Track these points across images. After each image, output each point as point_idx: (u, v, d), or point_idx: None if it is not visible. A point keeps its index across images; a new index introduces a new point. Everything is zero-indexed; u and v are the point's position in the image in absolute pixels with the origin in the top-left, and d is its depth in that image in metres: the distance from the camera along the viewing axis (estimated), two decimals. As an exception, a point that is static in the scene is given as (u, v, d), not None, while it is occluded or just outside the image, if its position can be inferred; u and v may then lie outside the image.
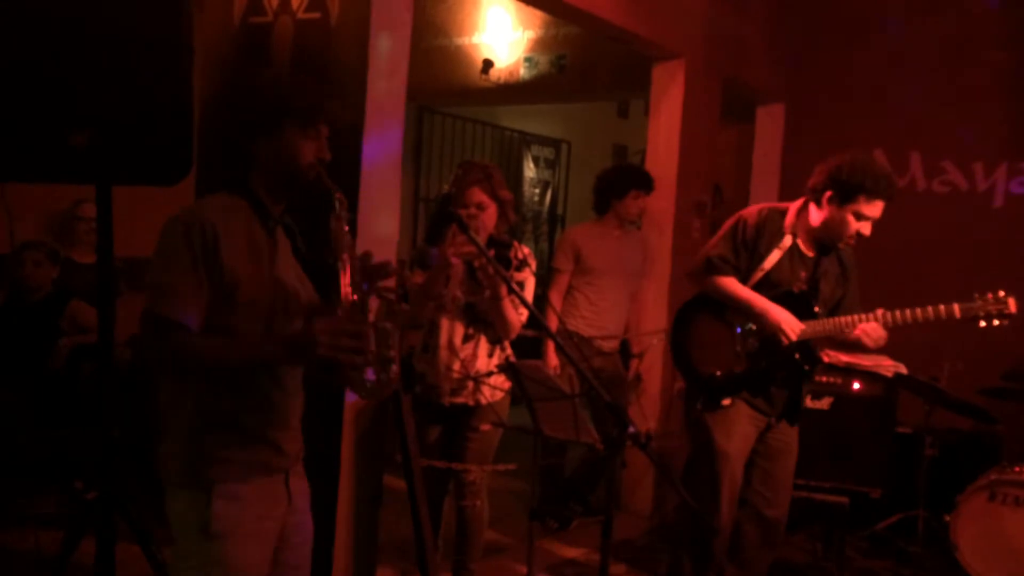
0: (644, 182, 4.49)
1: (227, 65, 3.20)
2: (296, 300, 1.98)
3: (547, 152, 8.45)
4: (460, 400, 3.21)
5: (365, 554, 3.21)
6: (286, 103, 1.90)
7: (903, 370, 4.06)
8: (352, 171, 2.96)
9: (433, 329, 3.22)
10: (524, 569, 3.25)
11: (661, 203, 4.82)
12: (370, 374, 1.85)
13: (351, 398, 3.09)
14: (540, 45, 6.16)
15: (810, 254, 3.19)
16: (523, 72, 6.24)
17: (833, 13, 5.66)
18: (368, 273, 1.91)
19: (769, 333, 3.10)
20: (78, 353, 4.28)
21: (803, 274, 3.17)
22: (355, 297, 1.86)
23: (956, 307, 3.02)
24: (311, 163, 1.93)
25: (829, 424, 3.94)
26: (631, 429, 2.35)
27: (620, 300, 4.50)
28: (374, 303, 2.00)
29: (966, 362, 4.33)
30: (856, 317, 3.08)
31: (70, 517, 3.59)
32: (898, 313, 3.02)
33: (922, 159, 5.45)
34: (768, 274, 3.14)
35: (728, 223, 3.25)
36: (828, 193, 3.04)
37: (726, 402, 3.15)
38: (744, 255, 3.16)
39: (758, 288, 3.15)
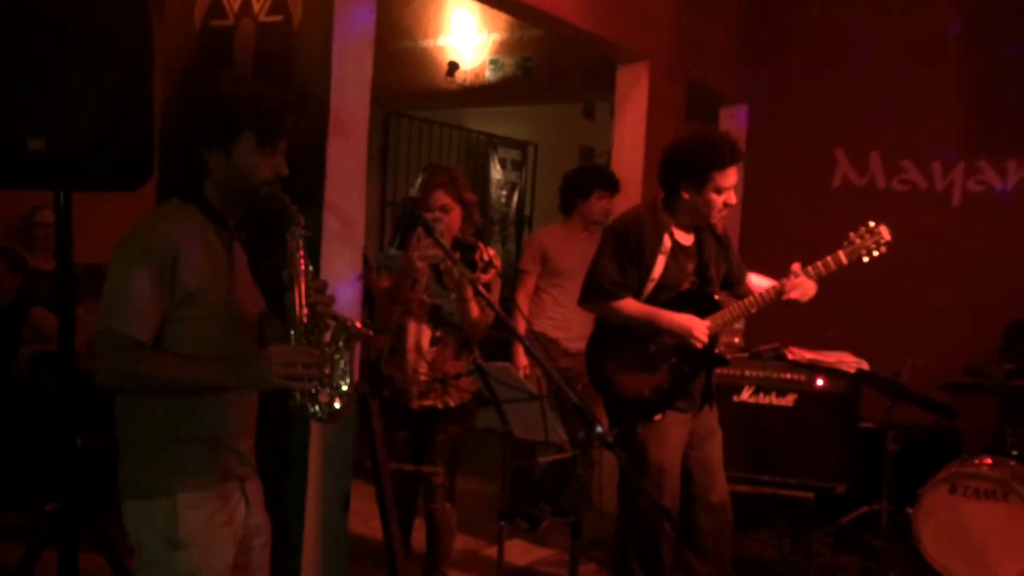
0: (609, 182, 4.52)
1: (188, 69, 3.17)
2: (250, 315, 1.96)
3: (514, 154, 8.46)
4: (428, 403, 3.21)
5: (334, 559, 3.19)
6: (242, 118, 1.85)
7: (866, 366, 4.12)
8: (316, 175, 2.95)
9: (400, 333, 3.21)
10: (494, 571, 3.25)
11: (628, 204, 4.83)
12: (325, 397, 1.85)
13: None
14: (505, 47, 6.18)
15: (689, 242, 3.18)
16: (489, 74, 6.25)
17: (795, 16, 5.74)
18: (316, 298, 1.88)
19: (682, 342, 3.10)
20: (39, 361, 4.22)
21: (690, 267, 3.17)
22: (307, 319, 1.84)
23: (841, 254, 3.10)
24: (266, 180, 1.89)
25: (793, 421, 3.99)
26: (598, 429, 2.37)
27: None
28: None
29: (928, 358, 4.42)
30: (758, 296, 3.11)
31: (33, 528, 3.54)
32: (810, 268, 3.09)
33: (882, 159, 5.54)
34: (659, 283, 3.12)
35: (609, 241, 3.16)
36: (682, 183, 3.06)
37: (658, 417, 3.13)
38: (633, 272, 3.11)
39: (653, 297, 3.12)
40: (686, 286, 3.16)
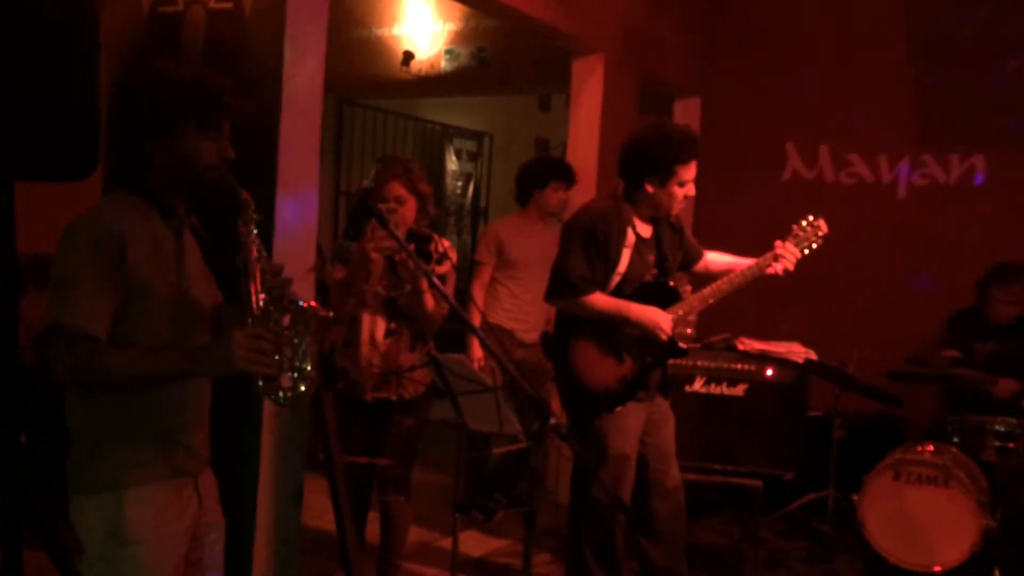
0: (565, 173, 4.53)
1: (136, 56, 3.11)
2: (203, 305, 1.94)
3: (469, 145, 8.44)
4: (383, 395, 3.20)
5: (286, 553, 3.17)
6: (183, 102, 1.82)
7: (813, 356, 4.20)
8: (269, 164, 2.92)
9: (354, 325, 3.20)
10: (449, 562, 3.26)
11: (583, 195, 4.86)
12: (287, 380, 1.83)
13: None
14: (461, 37, 6.15)
15: (649, 234, 3.23)
16: (444, 64, 6.22)
17: (746, 10, 5.81)
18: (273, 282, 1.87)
19: (646, 334, 3.14)
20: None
21: (651, 258, 3.22)
22: (265, 303, 1.82)
23: (787, 244, 3.21)
24: (212, 164, 1.86)
25: (744, 410, 4.06)
26: (552, 420, 2.39)
27: (541, 292, 4.52)
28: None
29: (873, 347, 4.52)
30: (716, 287, 3.18)
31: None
32: (753, 261, 3.20)
33: (831, 152, 5.65)
34: (624, 276, 3.16)
35: (575, 236, 3.17)
36: (647, 177, 3.09)
37: (619, 408, 3.18)
38: (601, 266, 3.13)
39: (618, 290, 3.16)
40: (648, 278, 3.21)
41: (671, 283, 3.23)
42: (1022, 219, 5.06)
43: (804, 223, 3.24)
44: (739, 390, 4.12)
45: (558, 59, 5.15)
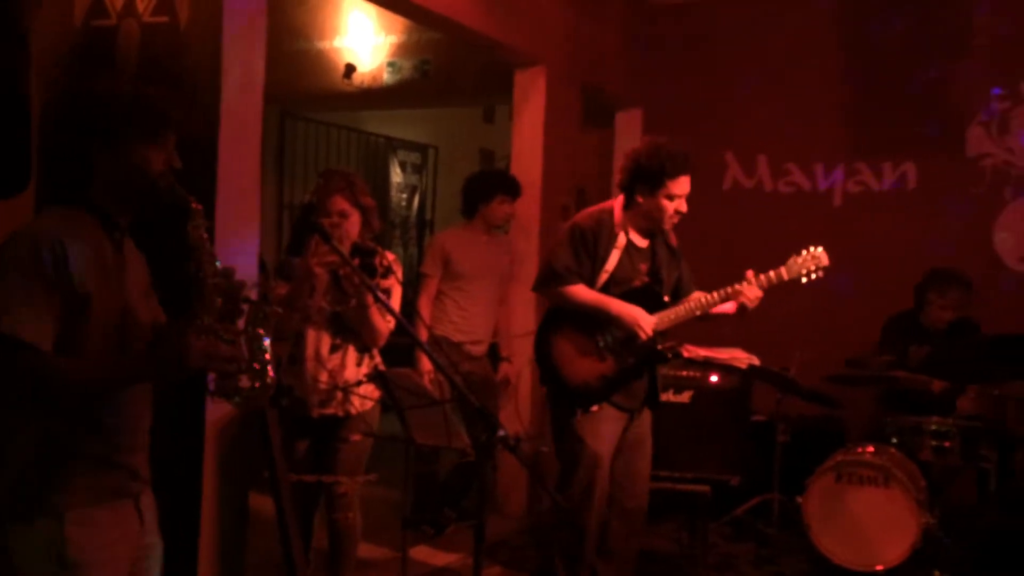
0: (510, 187, 4.55)
1: (68, 71, 3.04)
2: (143, 321, 1.90)
3: (414, 157, 8.42)
4: (329, 411, 3.17)
5: (232, 573, 3.11)
6: (129, 112, 1.81)
7: (756, 362, 4.28)
8: (208, 180, 2.87)
9: (299, 341, 3.16)
10: (399, 578, 3.23)
11: (527, 207, 4.89)
12: (244, 382, 1.81)
13: (212, 415, 2.99)
14: (403, 50, 6.14)
15: (644, 245, 3.33)
16: (387, 77, 6.20)
17: (686, 23, 5.91)
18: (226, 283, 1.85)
19: (627, 332, 3.21)
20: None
21: (643, 267, 3.31)
22: (220, 304, 1.81)
23: (783, 269, 3.27)
24: (161, 172, 1.85)
25: (690, 417, 4.11)
26: (500, 433, 2.38)
27: (488, 304, 4.54)
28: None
29: (813, 352, 4.62)
30: (706, 298, 3.22)
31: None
32: (761, 276, 3.24)
33: (769, 161, 5.77)
34: (612, 275, 3.25)
35: (564, 232, 3.33)
36: (637, 187, 3.22)
37: (595, 408, 3.23)
38: (587, 261, 3.25)
39: (605, 289, 3.25)
40: (637, 283, 3.28)
41: (664, 296, 3.30)
42: (952, 224, 5.23)
43: (805, 252, 3.28)
44: (685, 397, 4.17)
45: (501, 71, 5.18)
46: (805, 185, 5.68)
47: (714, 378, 4.20)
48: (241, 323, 1.84)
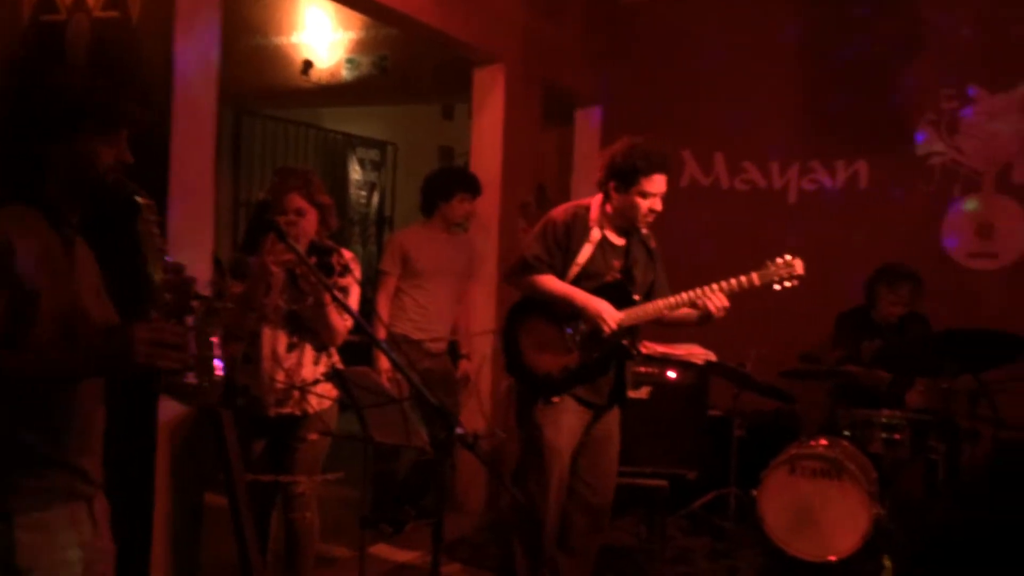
0: (470, 185, 4.55)
1: (16, 66, 2.97)
2: (94, 320, 1.87)
3: (373, 154, 8.37)
4: (286, 411, 3.14)
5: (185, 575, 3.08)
6: (82, 106, 1.78)
7: (713, 358, 4.33)
8: (160, 177, 2.83)
9: (254, 340, 3.13)
10: (358, 577, 3.22)
11: (486, 204, 4.90)
12: (192, 378, 1.79)
13: (164, 416, 2.95)
14: (361, 46, 6.11)
15: (619, 243, 3.36)
16: (345, 73, 6.16)
17: (645, 21, 5.95)
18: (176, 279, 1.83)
19: (592, 325, 3.24)
20: None
21: (616, 264, 3.34)
22: (170, 299, 1.78)
23: (755, 275, 3.28)
24: (110, 168, 1.82)
25: (648, 412, 4.15)
26: (459, 431, 2.39)
27: (447, 302, 4.54)
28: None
29: (769, 348, 4.69)
30: (674, 299, 3.25)
31: None
32: (724, 283, 3.24)
33: (726, 159, 5.84)
34: (584, 268, 3.29)
35: (539, 224, 3.39)
36: (612, 183, 3.26)
37: (556, 399, 3.26)
38: (558, 253, 3.30)
39: (576, 283, 3.28)
40: (609, 279, 3.31)
41: (634, 295, 3.31)
42: (902, 221, 5.34)
43: (779, 260, 3.28)
44: (643, 393, 4.21)
45: (460, 68, 5.17)
46: (761, 183, 5.76)
47: (671, 374, 4.25)
48: (190, 320, 1.81)
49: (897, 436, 4.12)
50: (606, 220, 3.34)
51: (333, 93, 6.25)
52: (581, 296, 3.24)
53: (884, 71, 5.41)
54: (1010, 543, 3.32)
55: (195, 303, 1.83)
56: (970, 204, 5.29)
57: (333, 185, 7.55)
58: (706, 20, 5.80)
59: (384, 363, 4.22)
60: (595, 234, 3.31)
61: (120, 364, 1.71)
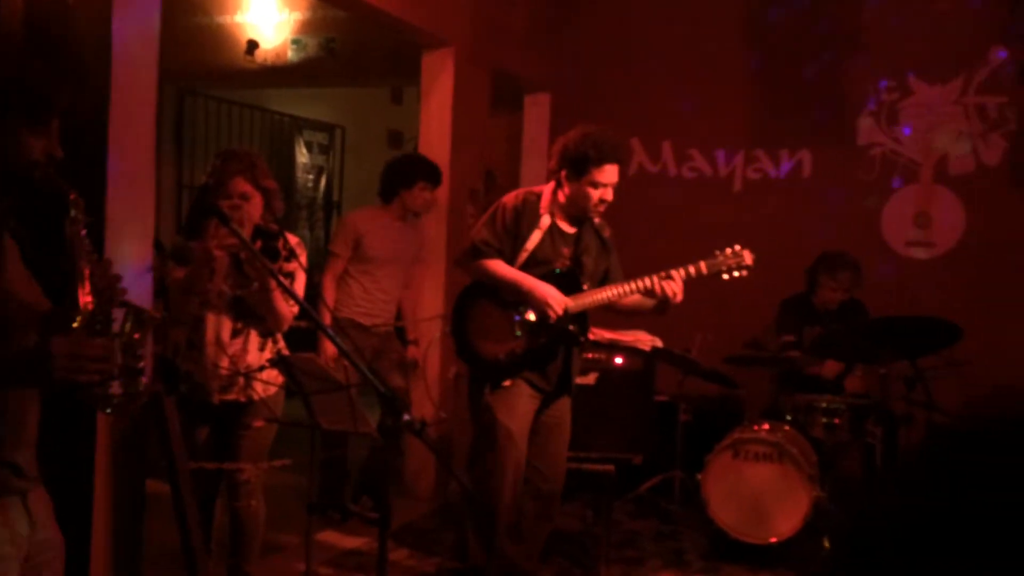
0: (433, 175, 4.49)
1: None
2: (25, 309, 1.81)
3: (320, 137, 8.26)
4: (231, 397, 3.10)
5: (128, 565, 3.02)
6: (8, 96, 1.69)
7: (659, 344, 4.38)
8: (98, 160, 2.75)
9: (198, 325, 3.07)
10: (303, 565, 3.19)
11: (437, 190, 4.86)
12: (117, 388, 1.74)
13: (105, 404, 2.88)
14: (308, 27, 6.00)
15: (570, 231, 3.36)
16: (291, 54, 6.05)
17: (595, 8, 5.96)
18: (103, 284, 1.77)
19: (539, 310, 3.25)
20: None
21: (566, 251, 3.35)
22: (93, 307, 1.72)
23: (702, 264, 3.31)
24: (38, 161, 1.73)
25: (595, 398, 4.18)
26: (406, 417, 2.38)
27: (395, 288, 4.51)
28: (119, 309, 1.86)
29: (714, 334, 4.76)
30: (623, 286, 3.26)
31: None
32: (673, 271, 3.24)
33: (673, 147, 5.89)
34: (532, 254, 3.29)
35: (490, 210, 3.39)
36: (563, 172, 3.27)
37: (507, 383, 3.27)
38: (507, 239, 3.30)
39: (525, 268, 3.29)
40: (558, 266, 3.31)
41: (584, 284, 3.31)
42: (843, 210, 5.46)
43: (728, 250, 3.29)
44: (591, 379, 4.24)
45: (409, 52, 5.12)
46: (707, 171, 5.83)
47: (619, 360, 4.29)
48: (116, 327, 1.76)
49: (837, 421, 4.23)
50: (557, 208, 3.34)
51: (279, 74, 6.14)
52: (528, 281, 3.25)
53: (827, 62, 5.51)
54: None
55: (122, 306, 1.77)
56: (908, 194, 5.42)
57: (279, 168, 7.44)
58: (655, 10, 5.83)
59: (330, 349, 4.18)
60: (545, 221, 3.31)
61: (38, 380, 1.66)
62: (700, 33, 5.74)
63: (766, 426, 4.17)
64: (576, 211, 3.32)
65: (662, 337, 4.43)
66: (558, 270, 3.31)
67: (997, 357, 4.79)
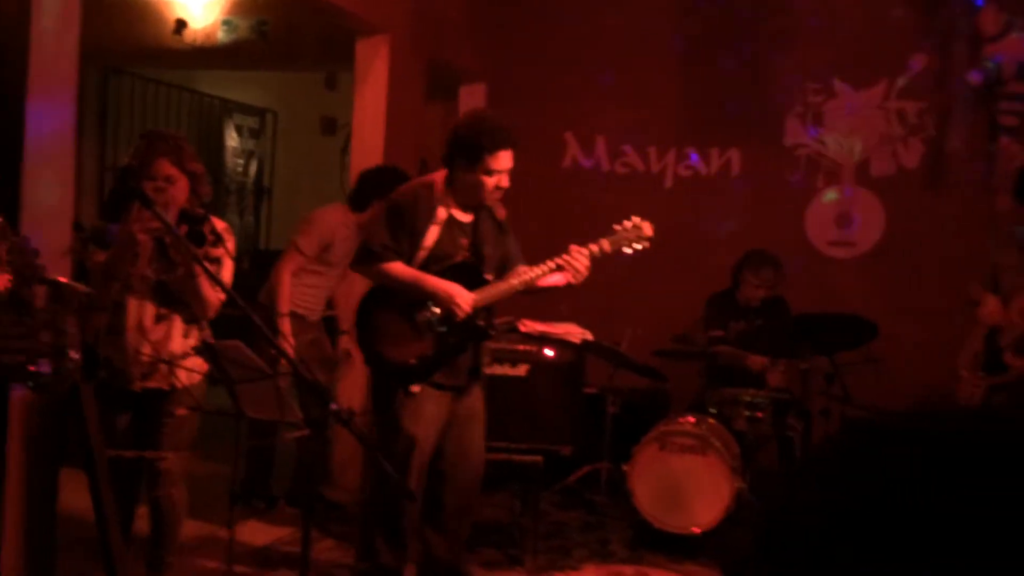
0: None
1: None
2: None
3: (251, 121, 8.09)
4: (153, 384, 3.03)
5: (41, 555, 2.93)
6: None
7: (590, 337, 4.42)
8: (14, 139, 2.65)
9: (119, 310, 2.99)
10: (225, 554, 3.14)
11: (368, 178, 4.82)
12: (45, 366, 1.69)
13: (16, 392, 2.79)
14: (239, 8, 5.87)
15: (467, 219, 3.25)
16: (221, 35, 5.91)
17: (531, 1, 5.97)
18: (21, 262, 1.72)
19: (446, 310, 3.15)
20: None
21: (464, 241, 3.24)
22: (12, 285, 1.67)
23: (605, 241, 3.28)
24: None
25: (525, 390, 4.20)
26: (333, 406, 2.36)
27: (335, 284, 4.48)
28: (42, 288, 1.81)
29: (644, 327, 4.83)
30: (527, 276, 3.20)
31: None
32: (584, 249, 3.21)
33: (607, 143, 5.95)
34: (431, 252, 3.17)
35: (384, 209, 3.25)
36: (456, 160, 3.16)
37: (415, 388, 3.15)
38: (404, 237, 3.16)
39: (424, 266, 3.17)
40: (458, 259, 3.21)
41: (485, 274, 3.24)
42: (770, 209, 5.60)
43: (627, 223, 3.29)
44: (521, 370, 4.26)
45: (343, 37, 5.05)
46: (639, 167, 5.91)
47: (549, 352, 4.31)
48: (40, 303, 1.71)
49: (759, 414, 4.34)
50: (452, 197, 3.21)
51: (208, 55, 6.00)
52: (432, 281, 3.13)
53: (758, 64, 5.64)
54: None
55: (44, 283, 1.72)
56: (831, 195, 5.59)
57: (208, 152, 7.27)
58: (591, 6, 5.87)
59: (290, 339, 4.09)
60: (441, 214, 3.18)
61: None
62: (635, 31, 5.81)
63: (691, 419, 4.25)
64: (471, 199, 3.22)
65: (593, 330, 4.47)
66: (459, 263, 3.20)
67: (910, 353, 4.99)
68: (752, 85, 5.64)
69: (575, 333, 4.43)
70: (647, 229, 3.31)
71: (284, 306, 4.11)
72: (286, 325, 4.12)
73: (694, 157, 5.76)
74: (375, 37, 4.86)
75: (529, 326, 4.33)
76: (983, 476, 0.54)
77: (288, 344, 4.04)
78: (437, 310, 3.17)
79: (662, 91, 5.77)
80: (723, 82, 5.68)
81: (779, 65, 5.60)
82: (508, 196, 5.88)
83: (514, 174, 5.94)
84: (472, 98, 6.15)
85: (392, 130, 4.96)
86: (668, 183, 5.85)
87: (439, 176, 3.25)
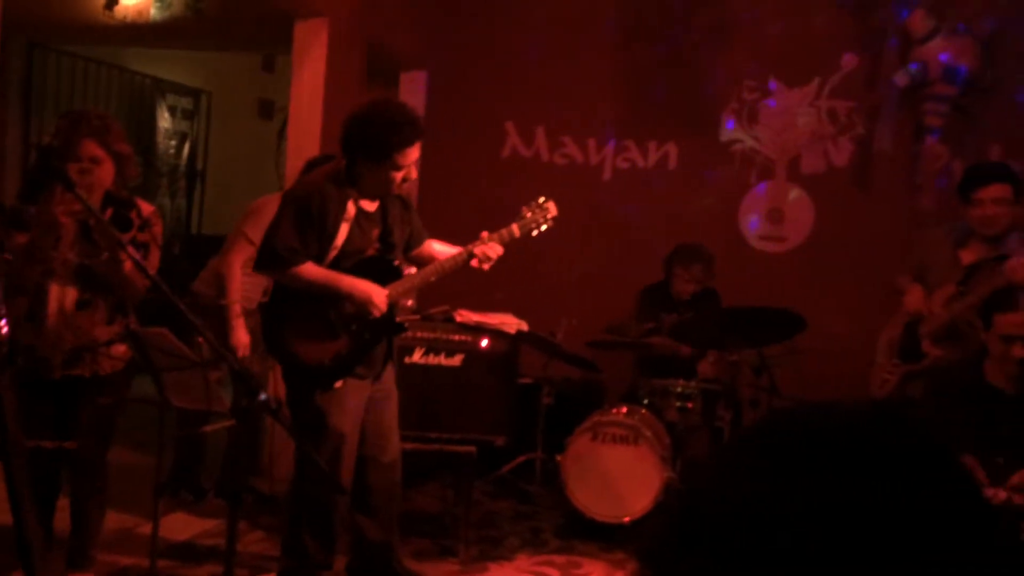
0: None
1: None
2: None
3: (185, 102, 7.89)
4: (75, 372, 2.95)
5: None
6: None
7: (525, 327, 4.43)
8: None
9: (40, 295, 2.90)
10: (149, 547, 3.08)
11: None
12: None
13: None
14: (174, -15, 5.71)
15: (373, 208, 3.18)
16: (154, 12, 5.73)
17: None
18: None
19: (361, 309, 3.10)
20: None
21: (375, 232, 3.18)
22: None
23: (514, 227, 3.30)
24: None
25: (460, 379, 4.20)
26: (262, 397, 2.32)
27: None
28: None
29: (579, 318, 4.87)
30: (439, 265, 3.21)
31: None
32: (495, 235, 3.23)
33: (546, 133, 5.96)
34: (343, 249, 3.09)
35: (288, 207, 3.10)
36: (361, 158, 3.04)
37: (338, 384, 3.10)
38: (314, 239, 3.04)
39: (336, 264, 3.09)
40: (370, 252, 3.15)
41: (395, 261, 3.19)
42: (704, 203, 5.68)
43: (533, 204, 3.29)
44: (456, 360, 4.25)
45: (281, 19, 4.96)
46: (578, 158, 5.93)
47: (484, 342, 4.31)
48: None
49: (690, 405, 4.42)
50: (358, 190, 3.10)
51: (140, 33, 5.82)
52: (346, 281, 3.06)
53: (696, 60, 5.71)
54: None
55: None
56: (763, 190, 5.70)
57: (138, 133, 7.07)
58: (533, -5, 5.87)
59: (243, 337, 3.99)
60: (351, 210, 3.08)
61: None
62: (575, 20, 5.82)
63: (624, 409, 4.31)
64: (377, 193, 3.14)
65: (528, 321, 4.49)
66: (370, 257, 3.15)
67: (836, 345, 5.12)
68: (691, 80, 5.71)
69: (510, 323, 4.44)
70: (552, 209, 3.32)
71: (236, 298, 4.01)
72: (239, 318, 4.03)
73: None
74: (314, 20, 4.79)
75: (465, 316, 4.33)
76: (854, 471, 0.56)
77: (242, 337, 3.96)
78: (351, 307, 3.10)
79: (602, 82, 5.80)
80: (662, 77, 5.74)
81: (717, 62, 5.67)
82: (447, 184, 5.89)
83: (453, 163, 5.96)
84: (413, 85, 6.10)
85: (330, 114, 4.88)
86: (607, 175, 5.89)
87: (340, 167, 3.11)
